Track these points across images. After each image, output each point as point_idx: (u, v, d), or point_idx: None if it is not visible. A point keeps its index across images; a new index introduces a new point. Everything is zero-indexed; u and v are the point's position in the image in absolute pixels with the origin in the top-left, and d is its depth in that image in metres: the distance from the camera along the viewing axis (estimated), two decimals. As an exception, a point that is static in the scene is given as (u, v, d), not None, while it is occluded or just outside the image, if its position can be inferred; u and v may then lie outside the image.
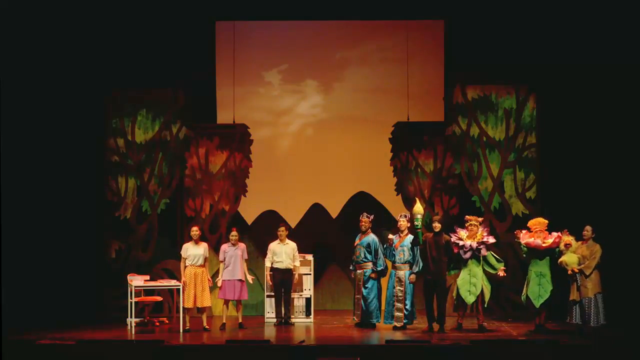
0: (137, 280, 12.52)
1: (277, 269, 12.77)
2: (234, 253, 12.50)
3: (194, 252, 12.40)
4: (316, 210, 14.61)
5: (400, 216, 12.49)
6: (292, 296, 12.98)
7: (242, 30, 14.62)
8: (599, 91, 13.53)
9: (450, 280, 12.79)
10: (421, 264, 12.12)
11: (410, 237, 12.29)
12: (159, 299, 13.26)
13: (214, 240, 14.25)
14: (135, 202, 14.54)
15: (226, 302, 12.62)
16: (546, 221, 12.02)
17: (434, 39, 14.55)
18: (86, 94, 14.18)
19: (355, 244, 12.68)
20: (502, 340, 11.12)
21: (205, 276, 12.43)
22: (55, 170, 13.84)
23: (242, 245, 12.64)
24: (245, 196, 14.66)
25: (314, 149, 14.72)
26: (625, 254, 12.84)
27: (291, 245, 12.84)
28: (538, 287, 11.85)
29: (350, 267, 12.83)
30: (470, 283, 11.93)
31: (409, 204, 14.01)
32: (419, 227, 12.04)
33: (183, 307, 12.29)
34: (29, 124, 13.57)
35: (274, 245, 12.84)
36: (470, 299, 11.92)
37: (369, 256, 12.51)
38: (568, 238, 11.76)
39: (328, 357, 10.13)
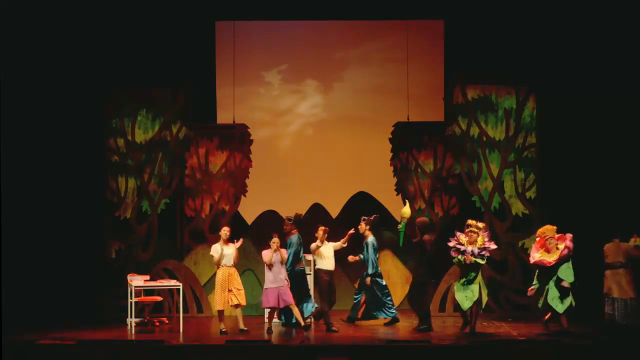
0: (137, 280, 12.52)
1: (325, 270, 12.49)
2: (276, 259, 12.15)
3: (227, 251, 12.07)
4: (316, 210, 14.61)
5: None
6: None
7: (242, 30, 14.62)
8: (598, 91, 13.52)
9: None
10: (374, 266, 12.40)
11: (368, 239, 12.46)
12: (159, 299, 13.27)
13: (215, 240, 14.20)
14: (135, 202, 14.54)
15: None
16: (555, 227, 11.85)
17: (434, 39, 14.55)
18: (86, 94, 14.18)
19: None
20: (502, 340, 11.11)
21: (238, 275, 12.17)
22: (55, 170, 13.85)
23: (283, 251, 12.26)
24: (245, 196, 14.66)
25: (314, 149, 14.72)
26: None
27: (332, 245, 12.64)
28: (559, 292, 11.59)
29: None
30: (468, 289, 11.79)
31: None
32: (401, 229, 12.15)
33: (220, 310, 11.98)
34: (29, 124, 13.58)
35: (319, 247, 12.50)
36: (466, 304, 11.72)
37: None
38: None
39: (328, 357, 10.16)
